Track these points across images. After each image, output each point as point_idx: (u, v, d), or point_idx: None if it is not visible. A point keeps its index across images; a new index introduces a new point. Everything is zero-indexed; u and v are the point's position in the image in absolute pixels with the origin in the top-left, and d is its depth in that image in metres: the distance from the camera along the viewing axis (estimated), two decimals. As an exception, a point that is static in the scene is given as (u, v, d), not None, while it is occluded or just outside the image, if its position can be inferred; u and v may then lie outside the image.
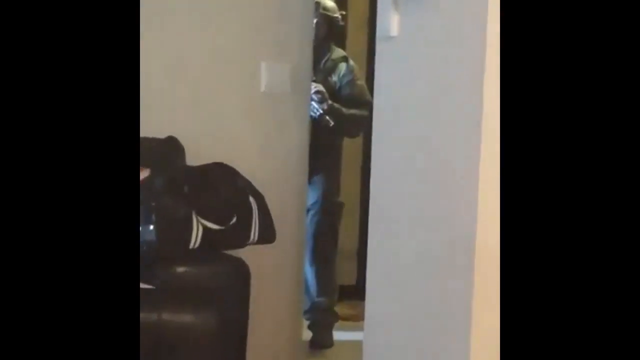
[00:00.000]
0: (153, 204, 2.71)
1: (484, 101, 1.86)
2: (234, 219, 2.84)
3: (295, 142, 3.59)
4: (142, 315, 2.45)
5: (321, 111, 4.32)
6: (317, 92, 4.29)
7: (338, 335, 4.66)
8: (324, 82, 4.44)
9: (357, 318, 4.02)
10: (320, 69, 4.49)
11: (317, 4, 4.44)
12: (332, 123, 4.34)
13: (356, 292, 4.34)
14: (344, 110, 4.43)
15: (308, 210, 4.24)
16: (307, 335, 4.50)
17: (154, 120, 3.01)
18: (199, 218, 2.77)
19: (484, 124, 1.87)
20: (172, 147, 3.03)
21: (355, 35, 5.38)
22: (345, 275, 5.00)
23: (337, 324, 4.72)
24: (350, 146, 4.92)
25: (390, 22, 2.34)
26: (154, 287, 2.67)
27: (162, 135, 3.00)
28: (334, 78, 4.52)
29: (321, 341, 4.60)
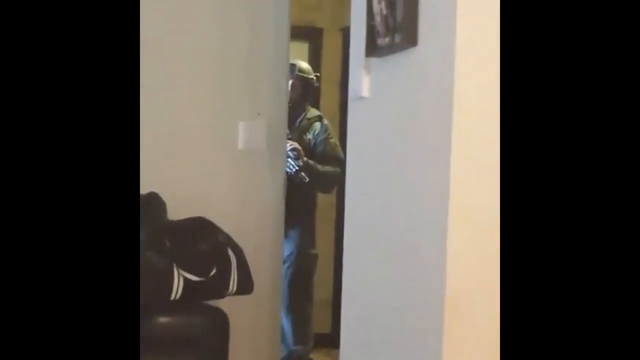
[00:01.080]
0: None
1: (452, 158, 1.88)
2: (214, 271, 2.90)
3: (271, 196, 3.66)
4: (125, 364, 2.54)
5: (297, 167, 4.40)
6: (293, 149, 4.38)
7: (314, 382, 4.71)
8: (300, 140, 4.54)
9: (332, 365, 4.08)
10: (296, 127, 4.59)
11: (293, 66, 4.56)
12: (307, 179, 4.42)
13: (331, 339, 4.39)
14: (319, 167, 4.51)
15: (284, 262, 4.31)
16: (284, 382, 4.55)
17: (137, 176, 3.10)
18: (180, 270, 2.82)
19: (452, 179, 1.88)
20: (154, 202, 3.08)
21: (329, 95, 5.47)
22: (320, 323, 5.04)
23: (312, 372, 4.77)
24: (324, 199, 5.01)
25: (361, 84, 2.38)
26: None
27: (144, 191, 3.07)
28: (309, 136, 4.62)
29: (298, 388, 4.64)
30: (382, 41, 2.20)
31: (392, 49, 2.17)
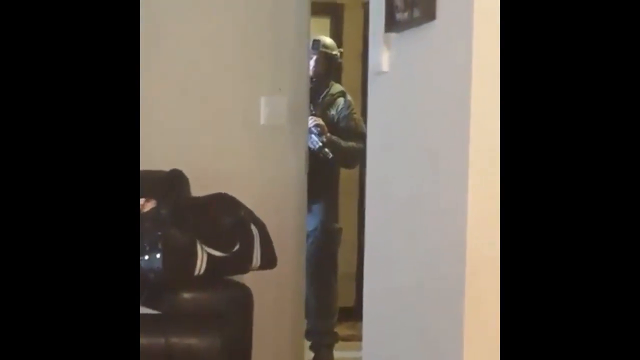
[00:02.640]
0: (159, 233, 2.77)
1: (471, 132, 1.89)
2: (237, 246, 2.91)
3: (294, 171, 3.69)
4: (150, 339, 2.57)
5: (320, 144, 4.40)
6: (316, 125, 4.38)
7: (338, 354, 4.74)
8: (323, 115, 4.53)
9: (356, 338, 4.06)
10: (320, 103, 4.59)
11: (317, 42, 4.56)
12: (330, 155, 4.43)
13: (355, 313, 4.40)
14: (342, 142, 4.51)
15: (308, 237, 4.33)
16: (309, 355, 4.57)
17: (160, 153, 3.13)
18: (203, 246, 2.83)
19: (471, 153, 1.89)
20: (177, 179, 3.10)
21: (350, 70, 5.45)
22: (344, 297, 5.04)
23: (337, 344, 4.79)
24: (347, 174, 5.02)
25: (381, 58, 2.39)
26: (162, 313, 2.75)
27: (167, 167, 3.09)
28: (332, 112, 4.61)
29: (322, 361, 4.68)
30: (401, 16, 2.21)
31: (410, 23, 2.18)
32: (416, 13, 2.12)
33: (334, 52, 4.76)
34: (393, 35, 2.32)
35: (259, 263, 2.99)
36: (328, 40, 4.84)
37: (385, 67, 2.40)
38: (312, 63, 4.37)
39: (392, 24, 2.27)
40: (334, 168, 4.67)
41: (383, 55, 2.39)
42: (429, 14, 2.06)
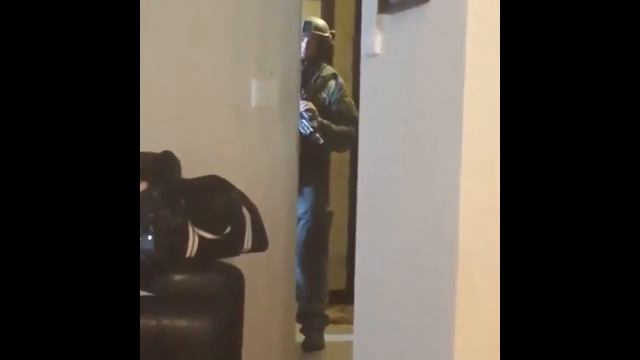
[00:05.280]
0: (151, 215, 2.77)
1: (465, 116, 1.88)
2: (229, 229, 2.91)
3: (285, 154, 3.69)
4: (142, 321, 2.55)
5: (312, 129, 4.40)
6: (308, 110, 4.38)
7: (329, 337, 4.76)
8: (315, 99, 4.54)
9: (347, 321, 4.07)
10: (312, 86, 4.58)
11: (309, 24, 4.55)
12: (322, 141, 4.43)
13: (346, 296, 4.41)
14: (334, 127, 4.52)
15: (300, 220, 4.33)
16: (300, 338, 4.59)
17: (151, 135, 3.11)
18: (195, 228, 2.83)
19: (464, 136, 1.88)
20: (168, 161, 3.09)
21: (342, 52, 5.44)
22: (335, 280, 5.07)
23: (328, 327, 4.81)
24: (338, 157, 5.02)
25: (373, 41, 2.37)
26: (153, 295, 2.75)
27: (158, 150, 3.08)
28: (324, 95, 4.61)
29: (314, 344, 4.70)
30: (394, -3, 2.20)
31: (404, 5, 2.16)
32: (409, -5, 2.11)
33: (326, 35, 4.75)
34: (386, 17, 2.31)
35: (250, 246, 2.99)
36: (320, 22, 4.83)
37: (378, 49, 2.38)
38: (303, 46, 4.36)
39: (385, 6, 2.26)
40: (325, 151, 4.67)
41: (376, 37, 2.37)
42: (423, -4, 2.05)
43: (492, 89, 1.85)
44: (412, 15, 2.15)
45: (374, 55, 2.41)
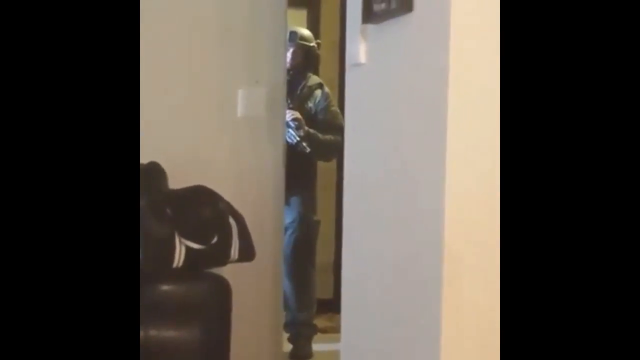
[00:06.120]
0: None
1: (449, 126, 1.88)
2: (215, 239, 2.92)
3: (271, 163, 3.69)
4: (129, 331, 2.56)
5: (298, 138, 4.41)
6: (294, 119, 4.39)
7: (317, 346, 4.75)
8: (301, 108, 4.54)
9: (335, 330, 4.08)
10: (298, 95, 4.59)
11: (294, 33, 4.56)
12: (308, 149, 4.44)
13: (334, 305, 4.41)
14: (320, 136, 4.52)
15: (286, 229, 4.34)
16: (288, 347, 4.60)
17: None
18: (182, 238, 2.84)
19: (448, 147, 1.88)
20: (154, 171, 3.10)
21: (328, 61, 5.45)
22: (323, 289, 5.06)
23: (315, 336, 4.80)
24: (325, 165, 5.01)
25: (358, 50, 2.38)
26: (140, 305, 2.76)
27: (145, 159, 3.07)
28: (310, 104, 4.62)
29: (301, 353, 4.69)
30: (378, 7, 2.20)
31: (388, 15, 2.17)
32: (393, 4, 2.11)
33: (311, 44, 4.76)
34: (370, 26, 2.31)
35: (237, 255, 3.00)
36: (305, 32, 4.84)
37: (362, 58, 2.39)
38: (289, 55, 4.37)
39: (369, 16, 2.27)
40: (312, 160, 4.67)
41: (360, 46, 2.38)
42: (406, 6, 2.05)
43: (475, 96, 1.87)
44: (395, 25, 2.16)
45: (359, 65, 2.42)
